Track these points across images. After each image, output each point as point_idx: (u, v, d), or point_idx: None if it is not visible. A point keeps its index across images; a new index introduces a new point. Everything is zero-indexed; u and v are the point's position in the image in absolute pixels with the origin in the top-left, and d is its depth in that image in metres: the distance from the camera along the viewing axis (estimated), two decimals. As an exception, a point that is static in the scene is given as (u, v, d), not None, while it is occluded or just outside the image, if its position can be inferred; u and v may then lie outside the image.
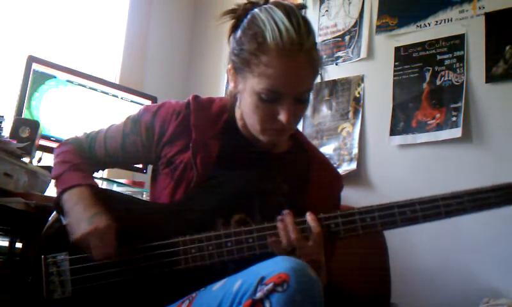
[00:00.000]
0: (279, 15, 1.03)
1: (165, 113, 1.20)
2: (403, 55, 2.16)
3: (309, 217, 1.01)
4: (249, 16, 1.08)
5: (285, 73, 1.02)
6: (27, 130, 1.75)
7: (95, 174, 1.34)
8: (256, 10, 1.08)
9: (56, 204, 1.12)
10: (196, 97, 1.22)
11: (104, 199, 1.11)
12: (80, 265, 1.06)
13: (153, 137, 1.19)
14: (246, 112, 1.11)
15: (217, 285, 0.93)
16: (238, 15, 1.11)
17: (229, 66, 1.13)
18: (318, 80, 1.13)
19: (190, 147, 1.14)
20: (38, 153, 1.90)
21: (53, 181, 1.19)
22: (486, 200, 0.99)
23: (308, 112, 2.31)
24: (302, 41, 1.02)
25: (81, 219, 1.05)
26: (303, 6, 1.15)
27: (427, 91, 2.06)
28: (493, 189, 1.00)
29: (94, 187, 1.14)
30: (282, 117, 1.04)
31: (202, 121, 1.18)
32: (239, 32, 1.09)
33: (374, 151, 2.18)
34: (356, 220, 1.01)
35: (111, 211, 1.08)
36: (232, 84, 1.13)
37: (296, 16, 1.04)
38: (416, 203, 1.00)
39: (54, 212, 1.15)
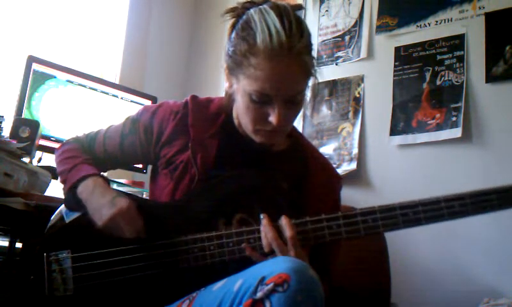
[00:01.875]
0: (272, 16, 1.03)
1: (163, 113, 1.20)
2: (403, 55, 2.15)
3: (283, 221, 1.01)
4: (244, 17, 1.08)
5: (273, 76, 1.02)
6: (27, 130, 1.75)
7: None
8: (251, 11, 1.07)
9: (67, 198, 1.12)
10: (194, 97, 1.22)
11: None
12: (83, 263, 1.06)
13: (152, 137, 1.19)
14: (239, 112, 1.13)
15: (218, 285, 0.93)
16: (237, 14, 1.11)
17: (224, 65, 1.13)
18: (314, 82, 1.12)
19: (189, 146, 1.14)
20: (38, 153, 1.90)
21: (60, 177, 1.18)
22: (489, 202, 0.98)
23: (308, 112, 2.31)
24: (292, 44, 1.01)
25: (103, 205, 1.05)
26: (299, 7, 1.14)
27: (427, 91, 2.06)
28: (496, 191, 0.99)
29: (105, 178, 1.15)
30: (272, 119, 1.05)
31: (200, 121, 1.18)
32: (233, 33, 1.09)
33: (374, 151, 2.17)
34: (358, 221, 1.01)
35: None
36: (227, 84, 1.14)
37: (289, 18, 1.03)
38: (418, 204, 1.00)
39: (57, 210, 1.14)
